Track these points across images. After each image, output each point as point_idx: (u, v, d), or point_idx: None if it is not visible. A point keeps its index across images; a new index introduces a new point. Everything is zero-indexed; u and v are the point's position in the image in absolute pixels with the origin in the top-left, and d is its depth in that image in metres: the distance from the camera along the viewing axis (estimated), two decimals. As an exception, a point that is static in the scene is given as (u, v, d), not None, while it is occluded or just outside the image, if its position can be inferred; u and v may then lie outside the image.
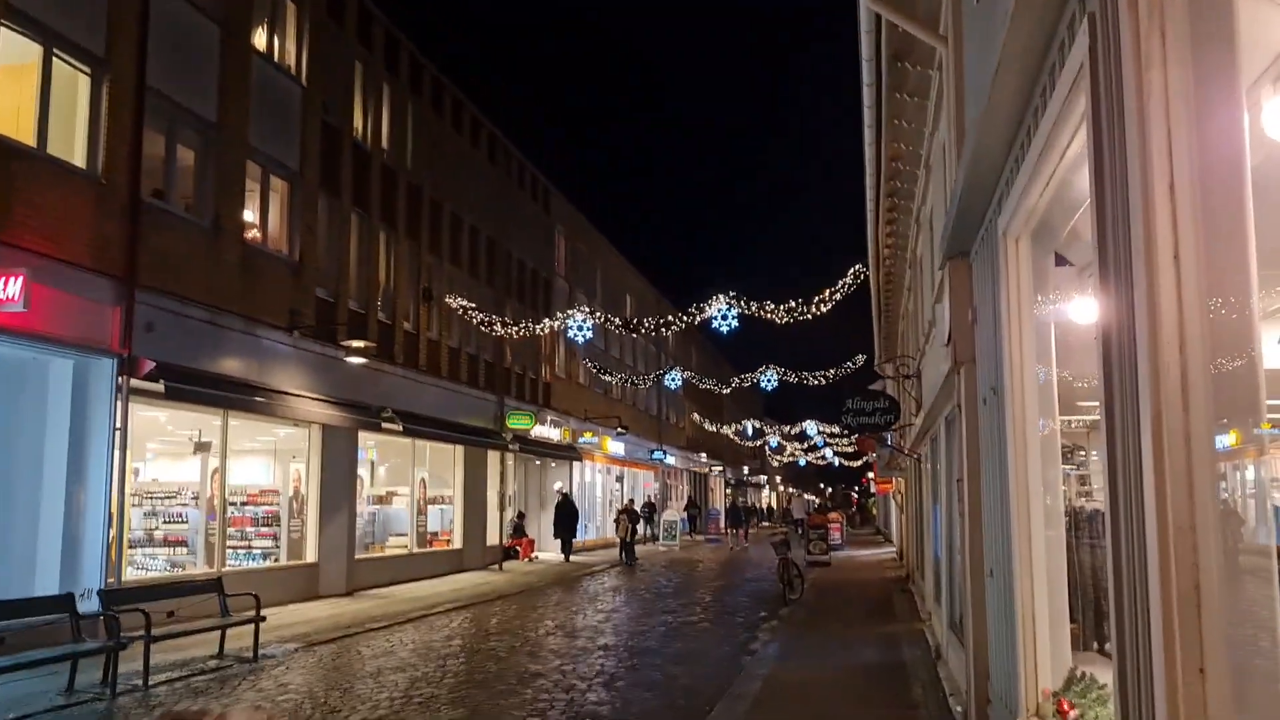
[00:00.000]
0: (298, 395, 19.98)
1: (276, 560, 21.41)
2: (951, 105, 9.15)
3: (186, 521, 19.60)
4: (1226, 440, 3.46)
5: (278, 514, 21.78)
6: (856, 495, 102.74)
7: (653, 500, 42.42)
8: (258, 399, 18.85)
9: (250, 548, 21.54)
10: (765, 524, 68.62)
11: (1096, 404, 7.99)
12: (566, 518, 33.37)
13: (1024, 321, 6.34)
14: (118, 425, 14.90)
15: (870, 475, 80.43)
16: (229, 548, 20.88)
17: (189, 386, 16.60)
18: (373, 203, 23.45)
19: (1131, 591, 3.46)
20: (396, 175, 24.88)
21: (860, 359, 37.47)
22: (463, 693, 11.20)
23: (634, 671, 12.66)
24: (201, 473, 19.25)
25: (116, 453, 14.96)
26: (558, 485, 36.30)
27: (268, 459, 22.50)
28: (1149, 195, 3.20)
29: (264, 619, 13.99)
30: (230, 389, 17.91)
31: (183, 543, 19.49)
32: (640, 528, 38.34)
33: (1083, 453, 9.54)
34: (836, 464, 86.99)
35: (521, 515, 33.89)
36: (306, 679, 12.08)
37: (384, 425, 22.69)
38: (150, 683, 11.45)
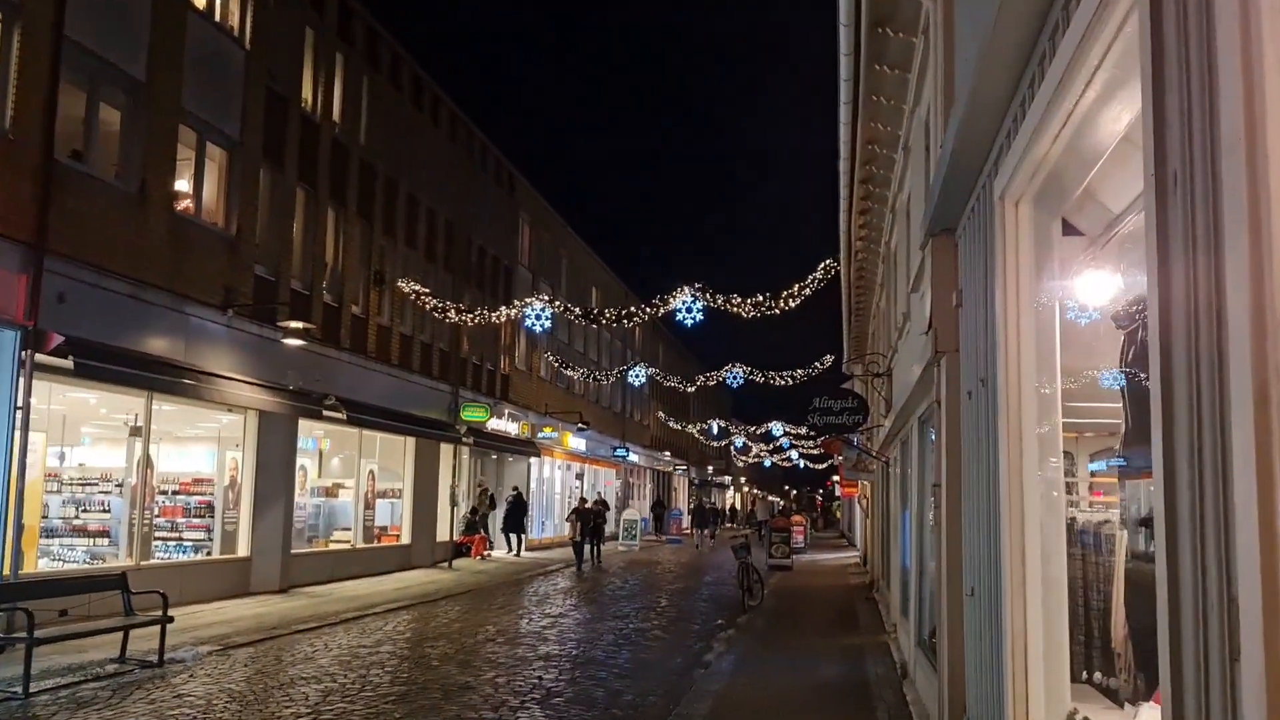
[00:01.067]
0: (231, 379, 18.74)
1: (209, 553, 20.21)
2: (939, 67, 8.16)
3: (109, 511, 18.38)
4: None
5: (212, 504, 20.57)
6: (821, 498, 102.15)
7: (601, 496, 40.51)
8: (186, 381, 17.60)
9: (181, 540, 20.31)
10: (729, 525, 67.66)
11: (1088, 404, 7.04)
12: (515, 513, 32.53)
13: (1023, 300, 5.33)
14: (19, 404, 13.64)
15: (836, 479, 79.84)
16: (158, 539, 19.69)
17: (103, 364, 15.34)
18: (321, 178, 22.22)
19: (1200, 622, 2.44)
20: (348, 151, 23.66)
21: (829, 359, 36.63)
22: (379, 709, 10.10)
23: (574, 685, 11.59)
24: (128, 459, 18.01)
25: (18, 433, 13.71)
26: (513, 486, 35.14)
27: (206, 446, 21.26)
28: (1253, 82, 2.17)
29: (171, 619, 12.82)
30: (154, 369, 16.66)
31: (105, 533, 18.28)
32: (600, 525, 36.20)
33: (1068, 459, 8.56)
34: (802, 466, 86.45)
35: (475, 510, 32.70)
36: (209, 689, 10.93)
37: (326, 413, 21.48)
38: (31, 690, 10.26)
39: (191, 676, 11.61)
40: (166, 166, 16.96)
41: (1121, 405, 4.79)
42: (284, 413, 20.53)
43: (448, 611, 18.73)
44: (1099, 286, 4.73)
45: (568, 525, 32.50)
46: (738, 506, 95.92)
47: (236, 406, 19.61)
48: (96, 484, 18.65)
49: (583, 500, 32.93)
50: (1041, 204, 5.15)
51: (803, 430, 61.48)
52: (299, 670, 12.17)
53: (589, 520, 30.67)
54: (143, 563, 17.93)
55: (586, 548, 30.93)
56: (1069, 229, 5.25)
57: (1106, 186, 4.71)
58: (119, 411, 18.12)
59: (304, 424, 23.33)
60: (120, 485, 18.10)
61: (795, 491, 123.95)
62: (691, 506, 69.41)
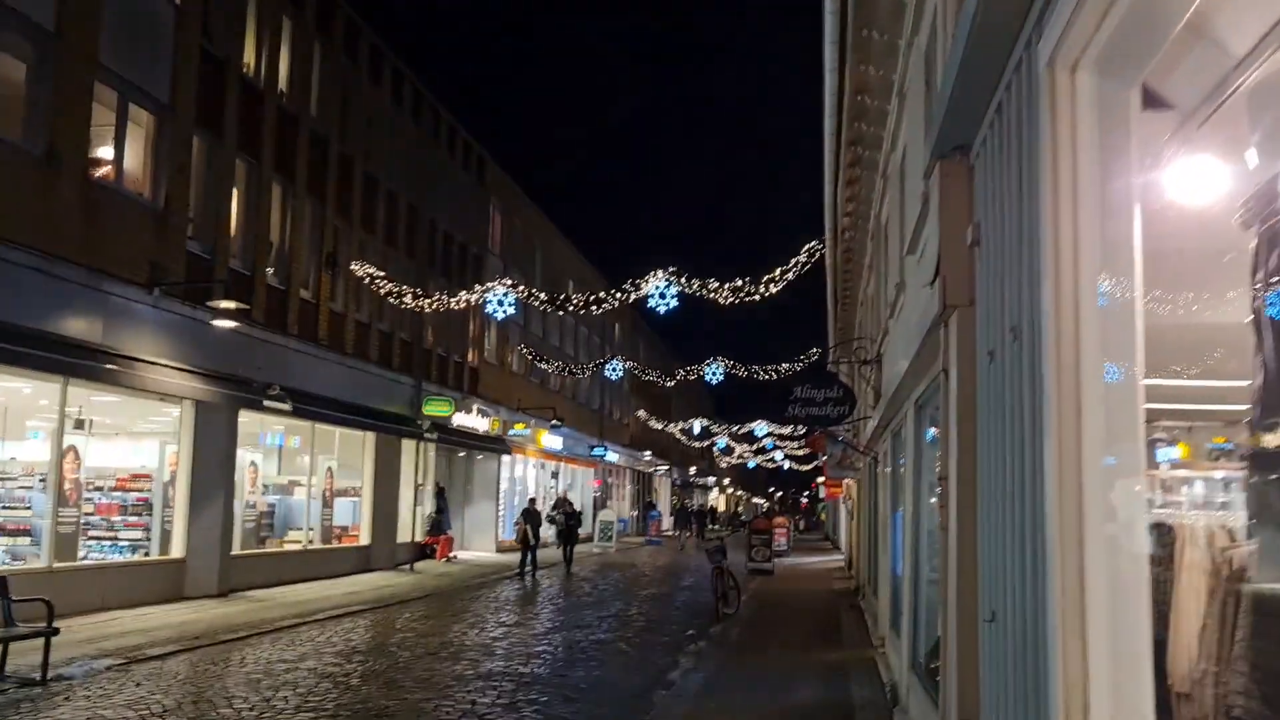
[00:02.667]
0: (160, 364, 17.09)
1: (147, 554, 18.62)
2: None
3: (30, 507, 16.71)
4: None
5: (150, 502, 18.92)
6: (806, 500, 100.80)
7: (566, 495, 37.99)
8: (107, 367, 15.95)
9: (116, 539, 18.67)
10: (713, 527, 65.97)
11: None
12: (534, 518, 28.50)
13: (1083, 205, 3.77)
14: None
15: (821, 480, 78.35)
16: (93, 538, 18.11)
17: (6, 345, 13.69)
18: (265, 150, 20.54)
19: None
20: (297, 122, 21.98)
21: (814, 353, 35.09)
22: (273, 744, 8.49)
23: (511, 712, 9.98)
24: (52, 452, 16.30)
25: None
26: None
27: (145, 440, 19.60)
28: None
29: (56, 631, 11.18)
30: (69, 352, 15.00)
31: (26, 532, 16.59)
32: (552, 530, 32.00)
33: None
34: (786, 467, 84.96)
35: (441, 510, 31.04)
36: (84, 713, 9.29)
37: (268, 404, 19.80)
38: None
39: (69, 698, 9.97)
40: (80, 128, 15.29)
41: (1255, 345, 3.22)
42: (220, 403, 18.87)
43: (394, 619, 17.11)
44: (1203, 176, 3.16)
45: (515, 528, 29.06)
46: (719, 508, 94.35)
47: (167, 395, 17.97)
48: (15, 478, 17.01)
49: (531, 500, 30.28)
50: (1112, 67, 3.57)
51: (787, 430, 60.06)
52: (199, 688, 10.54)
53: (538, 522, 27.92)
54: (64, 564, 16.29)
55: (559, 552, 29.10)
56: (1151, 101, 3.67)
57: (1219, 20, 3.16)
58: (41, 400, 16.49)
59: (264, 420, 21.76)
60: (44, 480, 16.42)
61: (780, 493, 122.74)
62: (675, 507, 67.99)
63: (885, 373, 14.58)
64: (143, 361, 16.61)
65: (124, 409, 18.61)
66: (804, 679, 12.25)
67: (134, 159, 16.95)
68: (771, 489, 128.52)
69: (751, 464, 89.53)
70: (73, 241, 15.05)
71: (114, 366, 16.03)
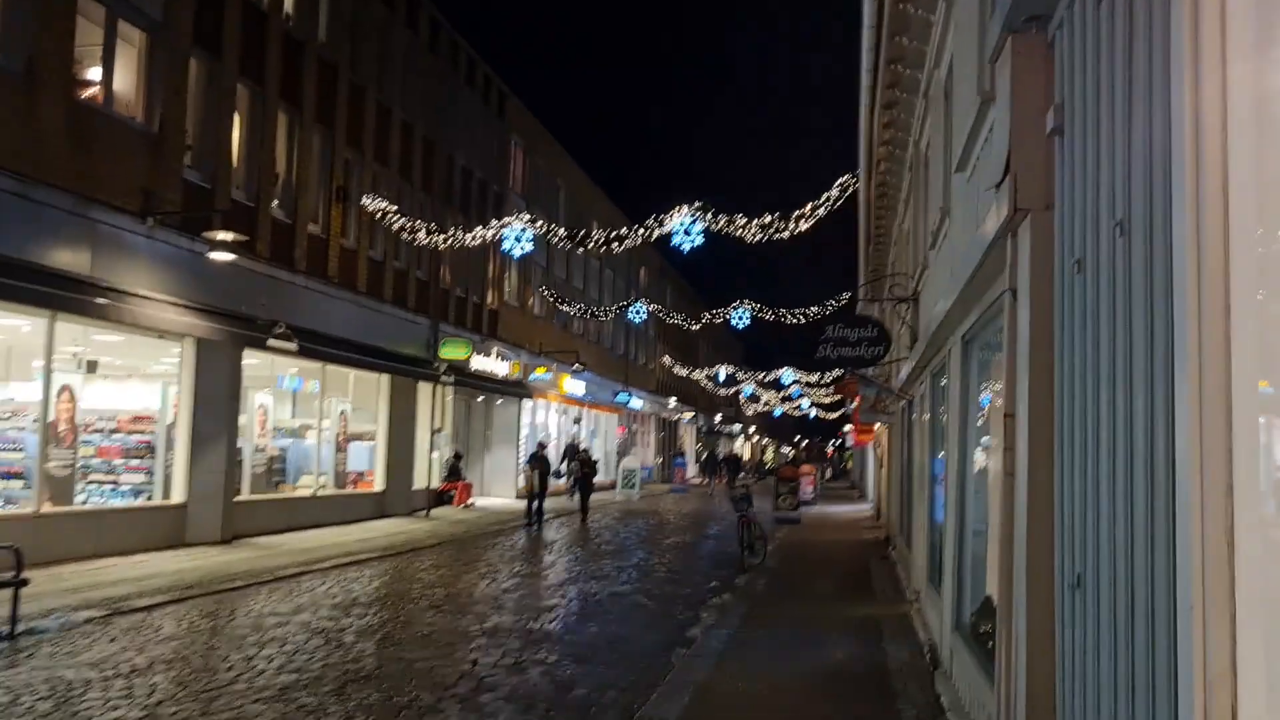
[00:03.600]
0: (156, 299, 16.23)
1: (149, 499, 17.92)
2: None
3: (22, 449, 15.99)
4: None
5: (152, 444, 18.20)
6: (833, 448, 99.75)
7: (576, 442, 36.89)
8: (97, 300, 15.11)
9: (118, 483, 17.97)
10: (741, 475, 65.02)
11: None
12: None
13: (1234, 74, 2.75)
14: None
15: (848, 427, 77.24)
16: (91, 482, 17.41)
17: (-19, 274, 12.88)
18: (270, 75, 19.50)
19: None
20: (303, 47, 20.89)
21: (845, 296, 33.92)
22: (240, 709, 7.65)
23: (515, 674, 9.13)
24: (45, 391, 15.52)
25: None
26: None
27: (147, 379, 18.85)
28: None
29: (25, 581, 10.42)
30: (49, 283, 14.14)
31: (19, 475, 15.88)
32: (564, 476, 31.35)
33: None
34: (813, 415, 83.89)
35: (459, 455, 30.31)
36: (40, 675, 8.50)
37: (272, 343, 18.94)
38: None
39: (31, 655, 9.21)
40: (62, 43, 14.30)
41: None
42: (223, 341, 18.03)
43: (402, 569, 16.35)
44: None
45: (522, 476, 27.72)
46: (745, 456, 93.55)
47: (165, 333, 17.14)
48: (6, 418, 16.30)
49: (541, 445, 27.72)
50: None
51: (814, 378, 58.97)
52: (173, 648, 9.74)
53: (548, 469, 26.04)
54: (59, 508, 15.60)
55: (578, 500, 27.94)
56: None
57: None
58: (32, 337, 15.71)
59: (274, 361, 20.98)
60: (37, 420, 15.66)
61: (806, 441, 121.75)
62: (703, 455, 67.13)
63: (924, 310, 13.51)
64: (136, 296, 15.76)
65: (126, 349, 17.85)
66: (834, 637, 11.34)
67: (125, 79, 15.98)
68: (797, 437, 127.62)
69: (777, 412, 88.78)
70: (57, 166, 14.14)
71: (105, 300, 15.18)
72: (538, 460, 25.82)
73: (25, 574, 10.50)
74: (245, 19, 18.54)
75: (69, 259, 14.54)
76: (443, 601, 13.09)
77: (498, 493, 33.31)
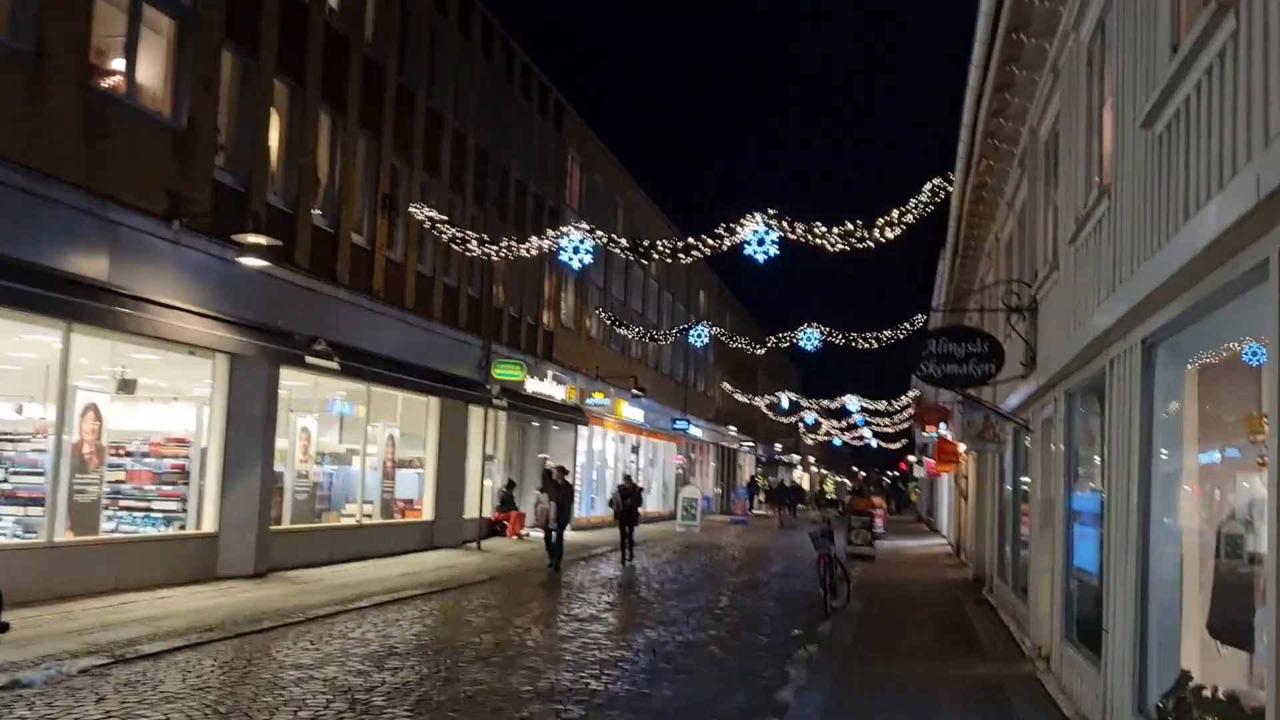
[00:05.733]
0: (182, 309, 14.83)
1: (183, 527, 16.52)
2: None
3: (43, 474, 14.61)
4: None
5: (186, 469, 16.80)
6: (891, 480, 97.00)
7: (627, 475, 30.54)
8: (118, 310, 13.73)
9: (150, 510, 16.58)
10: (801, 506, 62.72)
11: None
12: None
13: None
14: None
15: (911, 458, 74.68)
16: (122, 509, 16.09)
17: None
18: (310, 73, 18.13)
19: None
20: (348, 45, 19.53)
21: (919, 319, 31.98)
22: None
23: (576, 755, 7.41)
24: (60, 409, 14.10)
25: None
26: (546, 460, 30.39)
27: (182, 400, 17.48)
28: None
29: (5, 627, 8.87)
30: (62, 289, 12.76)
31: (38, 500, 14.49)
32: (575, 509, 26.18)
33: None
34: (874, 445, 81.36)
35: (512, 484, 28.72)
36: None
37: (311, 360, 17.49)
38: None
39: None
40: (80, 27, 12.97)
41: None
42: (257, 357, 16.61)
43: (449, 608, 14.72)
44: None
45: (538, 506, 23.33)
46: (804, 487, 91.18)
47: (195, 347, 15.74)
48: (29, 439, 14.95)
49: (560, 470, 23.10)
50: None
51: (880, 405, 56.83)
52: (166, 712, 8.14)
53: (568, 498, 22.13)
54: (79, 538, 14.20)
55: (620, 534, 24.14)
56: None
57: None
58: (81, 359, 14.39)
59: (319, 382, 19.58)
60: (54, 441, 14.27)
61: (864, 473, 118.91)
62: (774, 485, 65.08)
63: (1048, 322, 11.67)
64: (161, 305, 14.36)
65: (161, 367, 16.50)
66: (951, 708, 9.51)
67: (150, 70, 14.64)
68: (854, 467, 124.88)
69: (838, 442, 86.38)
70: (71, 160, 12.78)
71: (126, 310, 13.79)
72: (552, 487, 22.08)
73: (15, 615, 9.01)
74: (284, 12, 17.18)
75: (85, 264, 13.16)
76: (491, 652, 11.40)
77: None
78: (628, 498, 24.46)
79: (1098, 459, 9.25)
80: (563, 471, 22.78)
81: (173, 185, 14.54)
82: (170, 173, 14.56)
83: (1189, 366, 6.61)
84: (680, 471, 49.36)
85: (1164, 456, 6.75)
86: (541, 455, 30.04)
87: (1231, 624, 5.91)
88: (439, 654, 11.11)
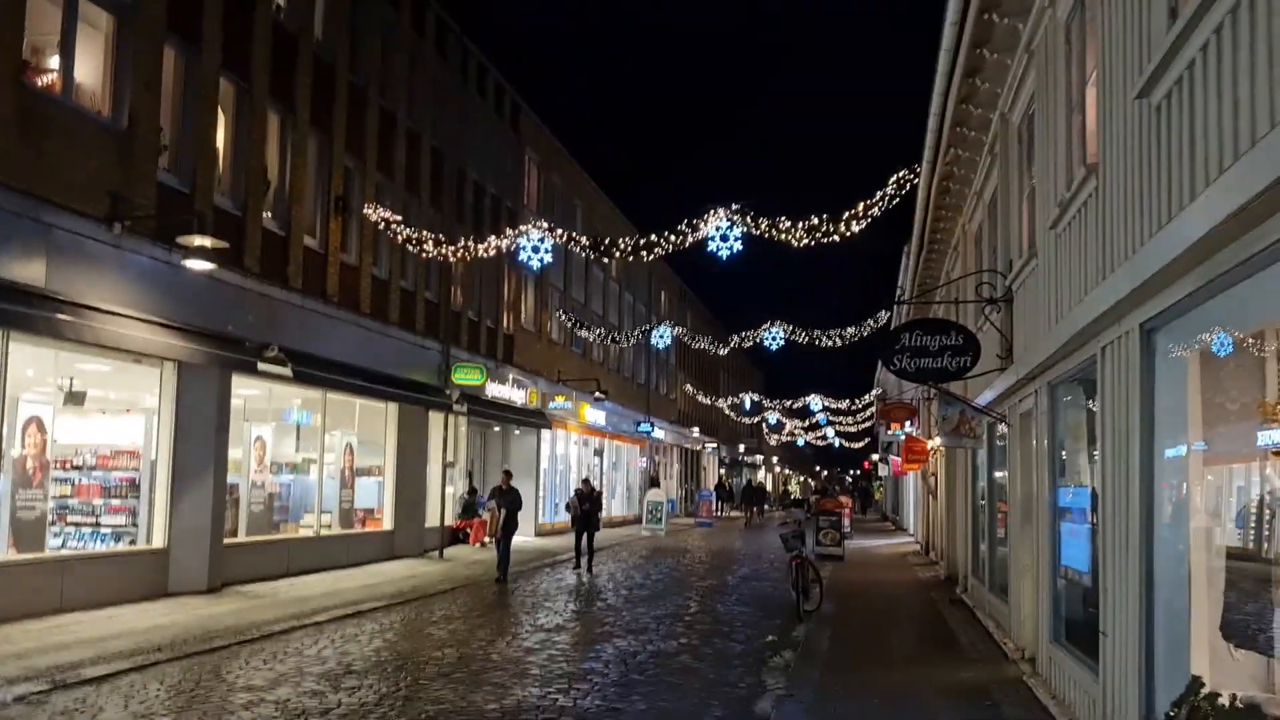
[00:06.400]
0: (125, 315, 14.18)
1: (133, 542, 15.84)
2: None
3: (-11, 491, 13.91)
4: None
5: (136, 481, 16.13)
6: (853, 478, 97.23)
7: (587, 479, 26.86)
8: (57, 316, 13.04)
9: (98, 526, 15.86)
10: (765, 508, 62.43)
11: None
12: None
13: None
14: None
15: (874, 456, 74.63)
16: (70, 525, 15.40)
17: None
18: (257, 70, 17.50)
19: None
20: (296, 42, 18.92)
21: (884, 316, 31.78)
22: None
23: (548, 779, 6.94)
24: (3, 423, 13.42)
25: None
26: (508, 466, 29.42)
27: (131, 411, 16.77)
28: None
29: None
30: (5, 297, 12.10)
31: (-17, 518, 13.78)
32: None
33: None
34: (837, 445, 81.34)
35: (474, 490, 28.16)
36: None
37: (263, 366, 16.87)
38: None
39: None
40: (11, 21, 12.32)
41: None
42: (207, 364, 15.98)
43: (411, 621, 14.17)
44: None
45: (486, 512, 21.54)
46: (767, 487, 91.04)
47: (139, 354, 15.07)
48: (-35, 455, 14.23)
49: (507, 474, 21.17)
50: None
51: (844, 404, 56.71)
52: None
53: (516, 506, 20.21)
54: (20, 555, 13.52)
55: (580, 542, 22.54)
56: None
57: None
58: (26, 370, 13.74)
59: (273, 390, 18.97)
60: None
61: (826, 472, 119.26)
62: (740, 487, 64.85)
63: (1026, 312, 11.35)
64: (102, 311, 13.70)
65: (109, 377, 15.84)
66: (939, 713, 9.13)
67: (88, 67, 13.99)
68: (817, 467, 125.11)
69: (801, 441, 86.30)
70: (3, 161, 12.13)
71: (65, 316, 13.10)
72: (499, 491, 20.54)
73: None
74: (229, 7, 16.54)
75: (19, 269, 12.48)
76: (454, 667, 10.88)
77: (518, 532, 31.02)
78: (585, 502, 22.77)
79: (1087, 452, 8.92)
80: (508, 476, 21.04)
81: (114, 187, 13.90)
82: (111, 174, 13.91)
83: (1191, 352, 6.26)
84: (653, 474, 49.00)
85: (1167, 447, 6.39)
86: (506, 469, 29.12)
87: (1246, 625, 5.55)
88: (399, 671, 10.59)
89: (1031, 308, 10.77)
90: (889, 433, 39.09)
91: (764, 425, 75.48)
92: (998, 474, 14.38)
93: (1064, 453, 9.74)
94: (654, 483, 46.71)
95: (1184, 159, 5.54)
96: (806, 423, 72.15)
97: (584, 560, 22.23)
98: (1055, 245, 9.24)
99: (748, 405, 58.67)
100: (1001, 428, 13.29)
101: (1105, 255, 7.30)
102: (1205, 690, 5.75)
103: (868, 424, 64.56)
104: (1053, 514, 9.70)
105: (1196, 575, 6.13)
